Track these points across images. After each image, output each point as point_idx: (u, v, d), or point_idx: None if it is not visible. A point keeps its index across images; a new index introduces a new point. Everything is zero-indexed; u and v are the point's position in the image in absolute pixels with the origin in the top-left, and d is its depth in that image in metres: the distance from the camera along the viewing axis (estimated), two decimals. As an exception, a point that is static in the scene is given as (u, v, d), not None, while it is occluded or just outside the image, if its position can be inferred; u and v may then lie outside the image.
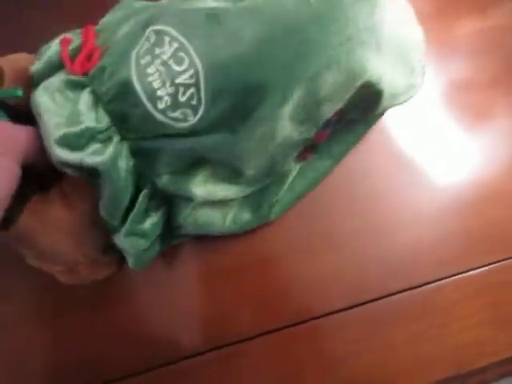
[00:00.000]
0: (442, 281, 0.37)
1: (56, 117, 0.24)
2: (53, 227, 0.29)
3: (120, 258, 0.35)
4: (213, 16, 0.25)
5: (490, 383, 0.38)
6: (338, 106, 0.27)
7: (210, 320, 0.37)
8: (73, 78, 0.25)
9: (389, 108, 0.34)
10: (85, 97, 0.25)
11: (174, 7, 0.27)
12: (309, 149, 0.32)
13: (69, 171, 0.24)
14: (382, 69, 0.27)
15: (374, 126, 0.39)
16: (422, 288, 0.37)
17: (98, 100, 0.25)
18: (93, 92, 0.25)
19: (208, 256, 0.38)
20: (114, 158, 0.25)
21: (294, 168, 0.34)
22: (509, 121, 0.42)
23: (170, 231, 0.31)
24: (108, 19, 0.29)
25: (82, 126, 0.24)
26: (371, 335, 0.36)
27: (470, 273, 0.38)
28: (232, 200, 0.31)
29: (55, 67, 0.27)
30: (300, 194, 0.36)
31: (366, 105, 0.31)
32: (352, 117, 0.33)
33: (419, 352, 0.36)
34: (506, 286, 0.38)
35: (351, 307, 0.37)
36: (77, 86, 0.26)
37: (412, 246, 0.38)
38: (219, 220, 0.31)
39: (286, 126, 0.26)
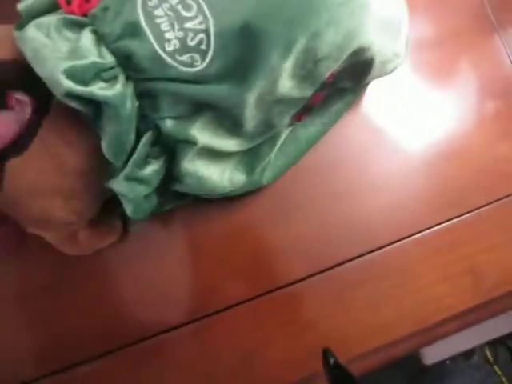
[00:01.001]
0: (402, 241, 0.40)
1: (54, 51, 0.24)
2: (35, 187, 0.27)
3: (121, 227, 0.35)
4: None
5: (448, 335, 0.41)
6: (334, 66, 0.29)
7: (183, 293, 0.37)
8: (70, 17, 0.25)
9: (377, 77, 0.36)
10: (87, 35, 0.24)
11: None
12: (304, 110, 0.33)
13: (74, 105, 0.23)
14: (373, 35, 0.29)
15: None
16: (382, 250, 0.40)
17: (100, 40, 0.25)
18: (94, 32, 0.25)
19: (180, 228, 0.38)
20: (123, 95, 0.24)
21: (286, 129, 0.35)
22: (472, 75, 0.44)
23: (168, 189, 0.31)
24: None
25: (89, 61, 0.23)
26: (333, 301, 0.38)
27: (428, 231, 0.41)
28: (229, 157, 0.31)
29: (43, 9, 0.26)
30: (292, 159, 0.37)
31: (357, 72, 0.33)
32: (344, 85, 0.34)
33: (379, 314, 0.39)
34: (462, 241, 0.41)
35: (312, 275, 0.38)
36: (75, 25, 0.25)
37: (375, 210, 0.40)
38: (217, 176, 0.31)
39: (285, 82, 0.28)
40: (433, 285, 0.40)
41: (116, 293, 0.36)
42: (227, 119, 0.28)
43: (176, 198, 0.34)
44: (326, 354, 0.31)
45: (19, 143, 0.26)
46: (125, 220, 0.36)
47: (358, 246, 0.40)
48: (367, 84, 0.39)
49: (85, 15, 0.25)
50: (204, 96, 0.27)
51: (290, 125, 0.35)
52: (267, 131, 0.31)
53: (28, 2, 0.25)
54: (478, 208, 0.41)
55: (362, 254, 0.39)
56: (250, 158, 0.33)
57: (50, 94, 0.24)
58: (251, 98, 0.27)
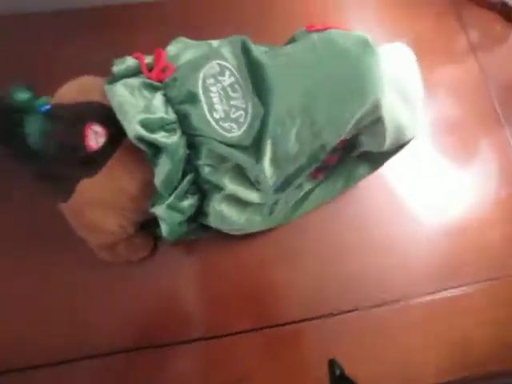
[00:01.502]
0: (396, 303, 0.44)
1: (134, 106, 0.32)
2: (96, 202, 0.35)
3: (152, 244, 0.43)
4: (258, 65, 0.35)
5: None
6: (338, 133, 0.35)
7: (186, 312, 0.43)
8: (149, 81, 0.34)
9: (395, 145, 0.40)
10: (159, 97, 0.33)
11: (230, 53, 0.37)
12: (320, 169, 0.40)
13: (141, 146, 0.31)
14: (381, 97, 0.34)
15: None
16: (375, 309, 0.44)
17: (168, 101, 0.33)
18: (164, 95, 0.33)
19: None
20: (178, 145, 0.32)
21: (306, 184, 0.42)
22: (488, 156, 0.51)
23: (196, 220, 0.38)
24: (170, 49, 0.38)
25: (158, 116, 0.32)
26: (319, 347, 0.42)
27: (424, 298, 0.44)
28: (251, 204, 0.38)
29: (130, 73, 0.34)
30: (306, 209, 0.44)
31: (371, 135, 0.38)
32: (362, 149, 0.40)
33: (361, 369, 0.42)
34: (457, 312, 0.44)
35: (306, 320, 0.43)
36: (152, 88, 0.34)
37: (375, 269, 0.45)
38: (237, 217, 0.38)
39: (294, 145, 0.35)
40: (420, 350, 0.43)
41: (131, 298, 0.43)
42: (252, 177, 0.36)
43: (201, 229, 0.41)
44: (333, 364, 0.32)
45: (93, 167, 0.34)
46: (155, 240, 0.43)
47: (352, 301, 0.44)
48: (389, 155, 0.43)
49: (160, 81, 0.34)
50: (233, 156, 0.34)
51: (307, 182, 0.42)
52: (285, 187, 0.38)
53: (121, 66, 0.34)
54: (476, 282, 0.46)
55: (355, 309, 0.44)
56: (272, 205, 0.41)
57: (122, 133, 0.32)
58: (267, 161, 0.35)
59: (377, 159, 0.44)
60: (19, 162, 0.34)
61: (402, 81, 0.37)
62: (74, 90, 0.36)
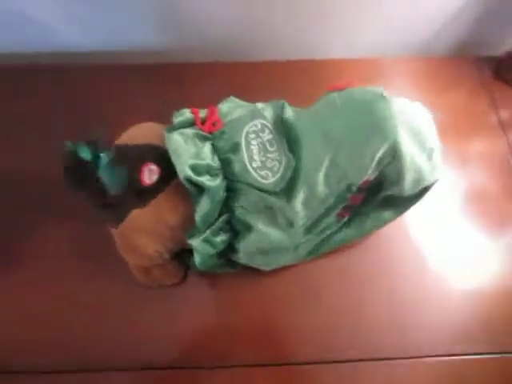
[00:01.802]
0: (407, 360, 0.45)
1: (187, 152, 0.38)
2: (141, 229, 0.40)
3: (183, 273, 0.47)
4: (290, 125, 0.41)
5: None
6: (363, 173, 0.38)
7: (199, 339, 0.46)
8: (201, 132, 0.40)
9: (417, 189, 0.42)
10: (208, 146, 0.39)
11: (272, 115, 0.43)
12: (346, 209, 0.43)
13: (188, 186, 0.37)
14: (399, 139, 0.37)
15: (403, 226, 0.50)
16: (387, 361, 0.45)
17: (215, 151, 0.39)
18: (213, 145, 0.39)
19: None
20: (219, 188, 0.38)
21: (332, 225, 0.45)
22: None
23: (225, 256, 0.43)
24: (222, 106, 0.44)
25: (206, 162, 0.38)
26: None
27: (436, 358, 0.45)
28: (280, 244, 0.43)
29: (187, 124, 0.41)
30: (330, 248, 0.47)
31: (392, 175, 0.39)
32: (385, 191, 0.42)
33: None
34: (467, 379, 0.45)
35: (314, 363, 0.45)
36: (203, 138, 0.40)
37: (389, 321, 0.47)
38: (264, 254, 0.43)
39: (322, 187, 0.39)
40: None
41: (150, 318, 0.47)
42: (284, 220, 0.41)
43: (228, 265, 0.46)
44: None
45: (144, 199, 0.39)
46: (186, 269, 0.48)
47: (363, 351, 0.45)
48: (413, 200, 0.46)
49: (210, 133, 0.40)
50: (266, 199, 0.39)
51: (333, 223, 0.45)
52: (315, 227, 0.42)
53: (179, 118, 0.41)
54: (490, 353, 0.46)
55: (364, 359, 0.45)
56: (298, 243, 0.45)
57: (172, 174, 0.38)
58: (298, 204, 0.40)
59: (401, 204, 0.46)
60: (88, 197, 0.40)
61: (417, 128, 0.40)
62: (138, 133, 0.43)
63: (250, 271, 0.46)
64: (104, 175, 0.38)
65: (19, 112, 0.59)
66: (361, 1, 0.60)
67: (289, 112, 0.43)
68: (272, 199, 0.39)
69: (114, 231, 0.42)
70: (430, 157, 0.41)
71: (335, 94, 0.42)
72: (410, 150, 0.38)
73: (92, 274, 0.48)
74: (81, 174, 0.38)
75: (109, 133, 0.41)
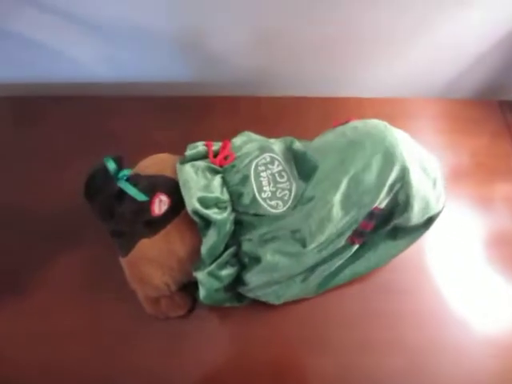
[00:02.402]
0: None
1: (196, 184, 0.38)
2: (149, 260, 0.40)
3: (190, 305, 0.46)
4: (302, 154, 0.42)
5: None
6: (376, 198, 0.39)
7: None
8: (212, 165, 0.40)
9: (423, 218, 0.44)
10: (218, 179, 0.40)
11: (281, 149, 0.44)
12: (356, 234, 0.42)
13: (196, 219, 0.37)
14: (407, 163, 0.39)
15: (420, 263, 0.50)
16: None
17: (224, 183, 0.40)
18: (223, 178, 0.40)
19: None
20: (226, 221, 0.38)
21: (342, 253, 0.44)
22: None
23: (233, 289, 0.42)
24: (236, 140, 0.45)
25: (214, 195, 0.38)
26: None
27: None
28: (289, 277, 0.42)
29: (199, 157, 0.42)
30: (343, 280, 0.46)
31: (399, 206, 0.41)
32: (392, 221, 0.43)
33: None
34: None
35: None
36: (213, 171, 0.40)
37: (399, 371, 0.45)
38: (276, 288, 0.42)
39: (338, 210, 0.39)
40: None
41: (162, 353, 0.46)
42: (296, 244, 0.40)
43: (236, 300, 0.45)
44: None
45: (153, 229, 0.40)
46: (194, 303, 0.47)
47: None
48: (420, 231, 0.47)
49: (221, 166, 0.41)
50: (280, 226, 0.39)
51: (344, 247, 0.44)
52: (326, 248, 0.41)
53: (192, 150, 0.41)
54: None
55: None
56: (307, 273, 0.44)
57: (183, 205, 0.38)
58: (314, 218, 0.39)
59: (408, 234, 0.46)
60: (99, 218, 0.41)
61: (420, 157, 0.42)
62: (153, 164, 0.44)
63: (259, 306, 0.45)
64: (126, 188, 0.40)
65: (30, 142, 0.61)
66: (387, 42, 0.62)
67: (298, 144, 0.44)
68: (283, 222, 0.39)
69: (122, 260, 0.42)
70: (434, 185, 0.43)
71: (341, 128, 0.43)
72: (417, 177, 0.40)
73: (101, 304, 0.48)
74: (100, 180, 0.39)
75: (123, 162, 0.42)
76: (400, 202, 0.41)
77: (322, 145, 0.42)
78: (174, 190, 0.40)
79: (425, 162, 0.42)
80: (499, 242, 0.53)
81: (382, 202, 0.40)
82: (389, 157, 0.39)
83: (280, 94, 0.66)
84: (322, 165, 0.40)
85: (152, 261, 0.40)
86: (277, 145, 0.44)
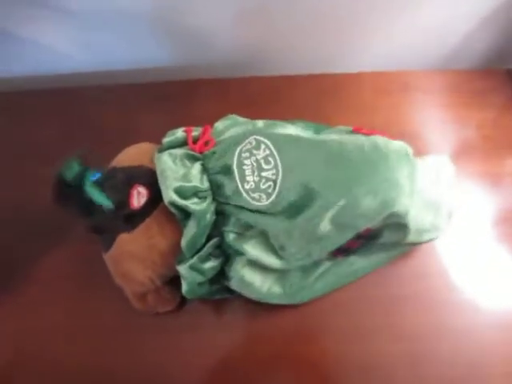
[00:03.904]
0: None
1: (174, 173, 0.36)
2: (130, 255, 0.38)
3: (179, 299, 0.44)
4: (295, 141, 0.38)
5: None
6: (369, 223, 0.37)
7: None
8: (191, 152, 0.38)
9: (414, 242, 0.43)
10: (197, 166, 0.37)
11: (270, 130, 0.40)
12: (341, 251, 0.41)
13: (173, 210, 0.35)
14: (410, 207, 0.37)
15: (428, 246, 0.46)
16: None
17: (204, 171, 0.37)
18: (202, 165, 0.37)
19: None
20: (206, 211, 0.35)
21: (326, 264, 0.42)
22: None
23: (219, 281, 0.40)
24: (218, 125, 0.42)
25: (192, 184, 0.35)
26: None
27: None
28: (273, 272, 0.40)
29: (178, 144, 0.39)
30: (329, 288, 0.43)
31: (392, 233, 0.40)
32: (383, 240, 0.42)
33: None
34: None
35: None
36: (193, 159, 0.38)
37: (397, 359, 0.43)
38: (259, 284, 0.39)
39: (326, 225, 0.36)
40: None
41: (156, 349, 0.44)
42: (276, 242, 0.37)
43: (227, 291, 0.42)
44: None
45: (132, 223, 0.37)
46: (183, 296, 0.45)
47: None
48: (411, 245, 0.45)
49: (201, 153, 0.38)
50: (261, 223, 0.36)
51: (328, 259, 0.42)
52: (306, 259, 0.39)
53: (170, 138, 0.39)
54: None
55: None
56: (290, 277, 0.41)
57: (162, 197, 0.36)
58: (297, 232, 0.36)
59: (394, 249, 0.45)
60: (77, 216, 0.39)
61: (432, 194, 0.41)
62: (130, 155, 0.41)
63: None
64: (91, 194, 0.37)
65: (13, 138, 0.59)
66: (383, 10, 0.57)
67: (291, 127, 0.40)
68: (265, 219, 0.36)
69: (104, 256, 0.40)
70: (435, 217, 0.41)
71: (362, 138, 0.39)
72: (417, 215, 0.39)
73: (91, 300, 0.47)
74: (65, 193, 0.36)
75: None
76: (393, 230, 0.40)
77: (336, 148, 0.38)
78: (152, 181, 0.37)
79: (435, 197, 0.41)
80: (508, 220, 0.50)
81: (374, 225, 0.38)
82: (393, 191, 0.36)
83: (271, 74, 0.62)
84: (327, 172, 0.36)
85: (133, 256, 0.38)
86: (268, 128, 0.41)
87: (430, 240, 0.43)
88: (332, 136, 0.40)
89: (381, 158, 0.37)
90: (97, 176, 0.37)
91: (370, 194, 0.35)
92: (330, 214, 0.36)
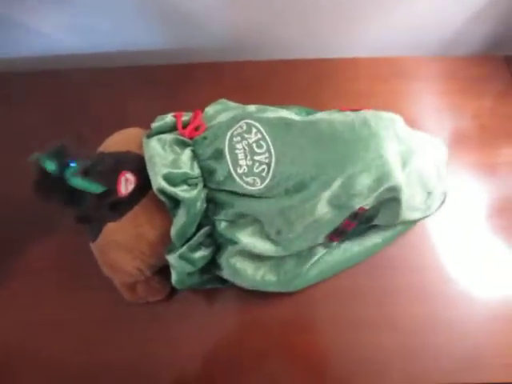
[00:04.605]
0: None
1: (162, 159, 0.35)
2: (117, 245, 0.37)
3: (169, 289, 0.43)
4: (287, 125, 0.37)
5: None
6: (364, 202, 0.36)
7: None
8: (181, 138, 0.36)
9: (407, 221, 0.42)
10: (187, 152, 0.36)
11: (261, 114, 0.39)
12: (337, 233, 0.40)
13: (162, 198, 0.34)
14: (403, 183, 0.37)
15: (422, 237, 0.47)
16: None
17: (194, 157, 0.36)
18: (193, 151, 0.36)
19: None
20: (196, 199, 0.34)
21: (320, 251, 0.41)
22: None
23: (211, 270, 0.39)
24: (209, 109, 0.41)
25: (182, 171, 0.34)
26: None
27: None
28: (266, 259, 0.39)
29: (167, 129, 0.38)
30: (324, 275, 0.43)
31: (387, 209, 0.39)
32: (377, 221, 0.41)
33: None
34: None
35: None
36: (182, 144, 0.36)
37: (395, 349, 0.42)
38: (252, 272, 0.38)
39: (323, 206, 0.36)
40: None
41: (148, 339, 0.43)
42: (271, 229, 0.36)
43: (218, 281, 0.42)
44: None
45: (119, 212, 0.36)
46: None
47: (367, 378, 0.41)
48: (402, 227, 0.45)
49: (191, 138, 0.37)
50: (255, 209, 0.35)
51: (324, 244, 0.41)
52: (303, 243, 0.38)
53: (159, 123, 0.37)
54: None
55: None
56: (284, 265, 0.40)
57: (151, 184, 0.35)
58: (294, 214, 0.36)
59: (387, 231, 0.45)
60: (62, 207, 0.37)
61: (424, 171, 0.39)
62: (118, 140, 0.40)
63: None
64: (76, 185, 0.35)
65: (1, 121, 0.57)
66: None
67: (290, 114, 0.40)
68: (260, 204, 0.35)
69: (92, 245, 0.39)
70: (427, 198, 0.41)
71: (352, 115, 0.39)
72: (410, 191, 0.38)
73: (79, 291, 0.46)
74: (47, 185, 0.35)
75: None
76: (387, 208, 0.39)
77: (327, 128, 0.37)
78: (141, 167, 0.36)
79: (426, 175, 0.40)
80: (504, 210, 0.50)
81: (368, 203, 0.38)
82: (386, 168, 0.36)
83: (266, 59, 0.61)
84: (320, 153, 0.36)
85: (120, 245, 0.37)
86: (259, 112, 0.40)
87: (421, 219, 0.43)
88: (321, 115, 0.40)
89: (371, 135, 0.37)
90: (80, 167, 0.36)
91: (364, 171, 0.35)
92: (326, 195, 0.35)
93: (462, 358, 0.42)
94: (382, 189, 0.36)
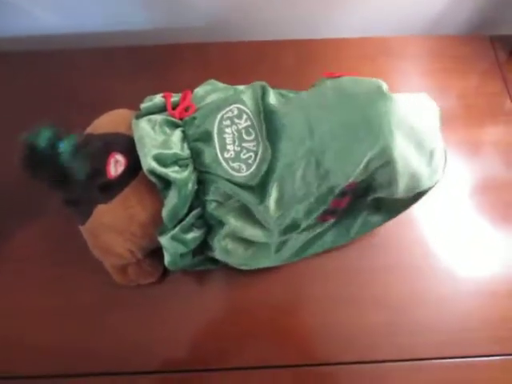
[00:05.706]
0: (402, 362, 0.42)
1: (153, 140, 0.34)
2: (108, 227, 0.37)
3: (161, 271, 0.44)
4: (272, 112, 0.37)
5: None
6: (345, 176, 0.34)
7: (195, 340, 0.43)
8: (171, 118, 0.36)
9: (412, 193, 0.39)
10: (178, 133, 0.35)
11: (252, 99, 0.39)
12: (327, 213, 0.39)
13: (152, 179, 0.33)
14: (397, 143, 0.33)
15: (408, 216, 0.45)
16: (379, 364, 0.42)
17: (185, 138, 0.36)
18: (183, 132, 0.36)
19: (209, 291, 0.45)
20: (187, 180, 0.34)
21: (317, 226, 0.41)
22: None
23: (202, 252, 0.39)
24: (198, 90, 0.40)
25: (172, 151, 0.34)
26: None
27: (435, 361, 0.42)
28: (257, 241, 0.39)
29: (157, 110, 0.37)
30: (312, 250, 0.43)
31: (383, 178, 0.36)
32: (374, 194, 0.39)
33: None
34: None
35: (300, 365, 0.42)
36: (172, 125, 0.36)
37: (383, 325, 0.43)
38: (242, 250, 0.39)
39: (301, 188, 0.35)
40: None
41: (140, 322, 0.44)
42: (258, 214, 0.37)
43: (210, 262, 0.42)
44: None
45: (109, 194, 0.36)
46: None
47: (358, 354, 0.42)
48: (406, 204, 0.42)
49: (181, 119, 0.36)
50: (238, 194, 0.36)
51: (316, 225, 0.41)
52: (293, 229, 0.38)
53: (148, 104, 0.37)
54: (490, 356, 0.42)
55: (358, 362, 0.42)
56: (279, 245, 0.41)
57: (141, 165, 0.34)
58: (272, 202, 0.35)
59: (393, 207, 0.42)
60: (50, 187, 0.37)
61: (417, 130, 0.35)
62: (107, 121, 0.39)
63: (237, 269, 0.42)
64: (66, 163, 0.35)
65: None
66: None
67: (271, 96, 0.39)
68: (244, 194, 0.35)
69: (81, 228, 0.39)
70: (430, 159, 0.37)
71: (327, 83, 0.37)
72: (405, 154, 0.34)
73: (68, 277, 0.46)
74: (37, 162, 0.34)
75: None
76: (381, 179, 0.36)
77: (298, 103, 0.36)
78: (130, 148, 0.36)
79: (421, 134, 0.35)
80: (489, 188, 0.51)
81: (357, 178, 0.36)
82: (369, 132, 0.33)
83: (253, 39, 0.60)
84: (289, 131, 0.35)
85: (111, 228, 0.37)
86: (247, 93, 0.39)
87: (427, 191, 0.40)
88: (297, 96, 0.39)
89: (348, 98, 0.35)
90: (71, 145, 0.35)
91: (339, 142, 0.34)
92: (299, 173, 0.35)
93: (448, 332, 0.43)
94: (367, 156, 0.34)
